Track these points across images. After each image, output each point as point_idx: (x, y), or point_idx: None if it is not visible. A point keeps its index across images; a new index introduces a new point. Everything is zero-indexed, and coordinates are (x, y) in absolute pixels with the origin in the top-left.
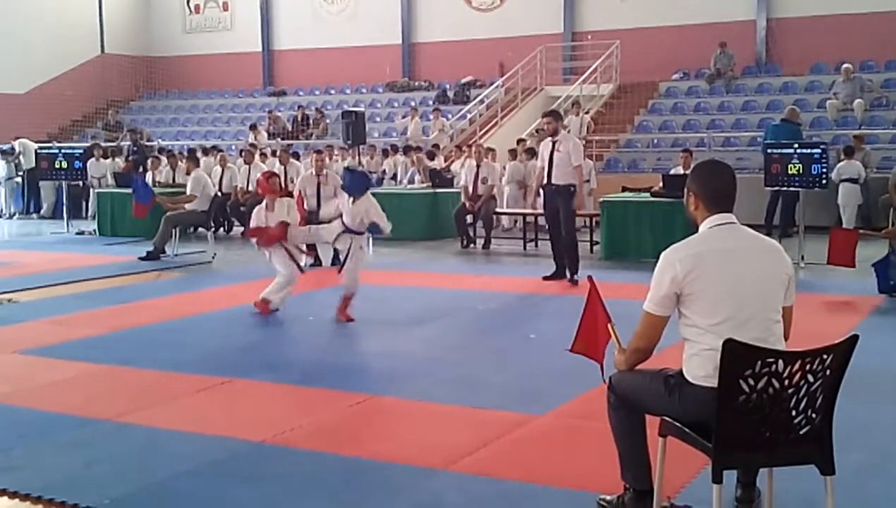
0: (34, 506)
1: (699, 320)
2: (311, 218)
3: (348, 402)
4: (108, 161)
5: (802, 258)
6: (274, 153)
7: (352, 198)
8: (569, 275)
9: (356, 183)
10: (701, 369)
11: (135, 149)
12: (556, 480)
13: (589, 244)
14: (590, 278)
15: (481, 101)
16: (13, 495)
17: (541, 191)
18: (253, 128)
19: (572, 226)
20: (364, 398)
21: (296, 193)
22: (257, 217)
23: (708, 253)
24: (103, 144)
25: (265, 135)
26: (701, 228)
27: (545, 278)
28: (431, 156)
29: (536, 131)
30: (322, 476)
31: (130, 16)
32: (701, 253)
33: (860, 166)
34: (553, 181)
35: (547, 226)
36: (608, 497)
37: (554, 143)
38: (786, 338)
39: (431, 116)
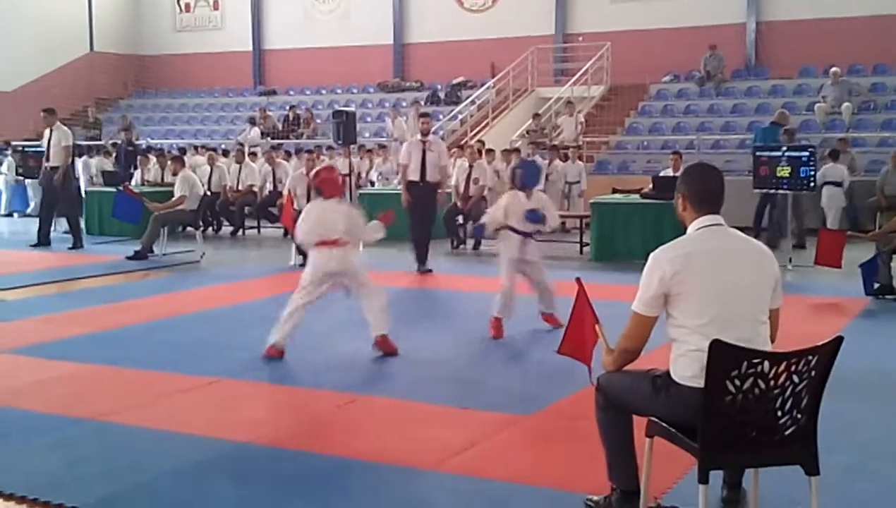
0: (18, 506)
1: (686, 320)
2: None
3: (335, 402)
4: (92, 159)
5: (790, 260)
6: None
7: (525, 193)
8: (419, 266)
9: (535, 174)
10: (688, 369)
11: (129, 148)
12: (543, 480)
13: (579, 245)
14: (578, 280)
15: (472, 102)
16: None
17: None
18: (252, 121)
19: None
20: (351, 398)
21: (285, 193)
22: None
23: (696, 253)
24: (83, 143)
25: (258, 132)
26: (689, 229)
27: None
28: None
29: (527, 133)
30: (309, 476)
31: (120, 14)
32: (689, 253)
33: (844, 170)
34: (428, 179)
35: (411, 222)
36: (595, 498)
37: (425, 143)
38: (772, 341)
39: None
